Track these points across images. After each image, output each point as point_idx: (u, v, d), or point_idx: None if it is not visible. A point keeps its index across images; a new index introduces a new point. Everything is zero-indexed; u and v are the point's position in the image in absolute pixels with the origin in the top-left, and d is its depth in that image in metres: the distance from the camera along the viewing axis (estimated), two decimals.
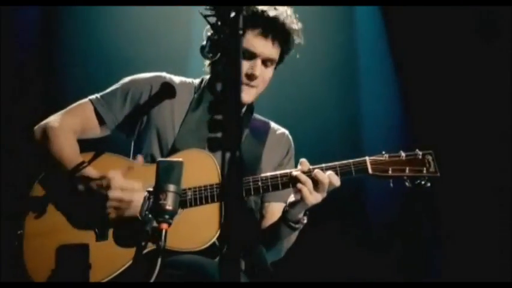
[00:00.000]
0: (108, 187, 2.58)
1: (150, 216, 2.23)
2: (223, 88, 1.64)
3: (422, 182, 2.67)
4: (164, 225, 2.17)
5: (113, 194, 2.58)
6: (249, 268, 2.76)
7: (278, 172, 2.73)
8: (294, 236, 2.89)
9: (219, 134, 1.70)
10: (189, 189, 2.64)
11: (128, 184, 2.60)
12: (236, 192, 1.56)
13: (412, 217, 4.80)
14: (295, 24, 2.87)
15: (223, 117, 1.64)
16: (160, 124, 2.86)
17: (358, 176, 2.69)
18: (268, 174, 2.73)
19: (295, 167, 2.81)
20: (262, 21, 2.79)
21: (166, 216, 2.18)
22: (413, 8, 4.62)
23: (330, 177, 2.65)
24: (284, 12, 2.84)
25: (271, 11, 2.81)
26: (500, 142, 4.53)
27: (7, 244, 2.60)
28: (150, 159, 2.81)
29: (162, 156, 2.78)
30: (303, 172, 2.67)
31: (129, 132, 2.94)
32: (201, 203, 2.63)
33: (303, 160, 2.73)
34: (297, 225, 2.78)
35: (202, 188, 2.64)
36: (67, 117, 2.85)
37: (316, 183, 2.64)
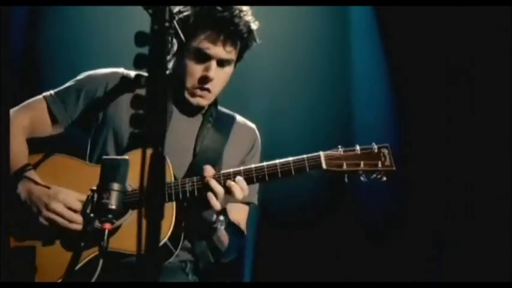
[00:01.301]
0: (54, 197, 2.52)
1: (92, 216, 2.17)
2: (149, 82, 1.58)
3: (378, 176, 2.59)
4: (107, 225, 2.11)
5: (54, 205, 2.52)
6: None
7: (231, 170, 2.63)
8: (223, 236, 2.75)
9: (140, 130, 1.61)
10: None
11: (75, 204, 2.53)
12: (158, 196, 1.48)
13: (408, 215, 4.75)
14: (250, 22, 2.74)
15: (147, 113, 1.58)
16: (117, 122, 2.76)
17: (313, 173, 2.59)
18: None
19: None
20: (213, 21, 2.67)
21: (110, 216, 2.12)
22: (409, 8, 4.56)
23: (231, 187, 2.55)
24: (236, 10, 2.70)
25: (222, 9, 2.67)
26: (499, 139, 4.48)
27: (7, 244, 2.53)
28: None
29: (118, 154, 2.68)
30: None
31: (84, 131, 2.84)
32: None
33: (207, 167, 2.63)
34: (214, 225, 2.66)
35: None
36: (18, 114, 2.78)
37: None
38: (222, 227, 2.66)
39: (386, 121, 4.86)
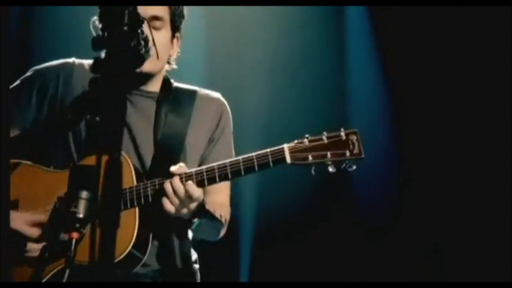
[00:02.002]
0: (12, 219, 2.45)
1: (59, 226, 2.15)
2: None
3: (347, 166, 2.43)
4: (74, 234, 2.07)
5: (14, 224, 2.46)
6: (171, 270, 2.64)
7: (194, 169, 2.51)
8: (206, 227, 2.66)
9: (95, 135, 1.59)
10: None
11: (34, 217, 2.49)
12: (113, 204, 1.47)
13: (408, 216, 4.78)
14: None
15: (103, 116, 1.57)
16: (74, 118, 2.61)
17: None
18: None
19: (235, 141, 2.66)
20: None
21: (77, 225, 2.09)
22: (404, 9, 4.60)
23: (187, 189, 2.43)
24: None
25: None
26: (499, 138, 4.53)
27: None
28: (67, 160, 2.60)
29: (79, 156, 2.59)
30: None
31: (44, 131, 2.69)
32: None
33: (181, 164, 2.51)
34: (191, 227, 2.59)
35: None
36: None
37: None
38: (198, 228, 2.58)
39: (380, 117, 4.91)
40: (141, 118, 2.68)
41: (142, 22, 2.06)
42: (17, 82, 2.74)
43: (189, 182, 2.45)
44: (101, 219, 1.57)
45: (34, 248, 2.48)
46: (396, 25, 4.73)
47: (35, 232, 2.48)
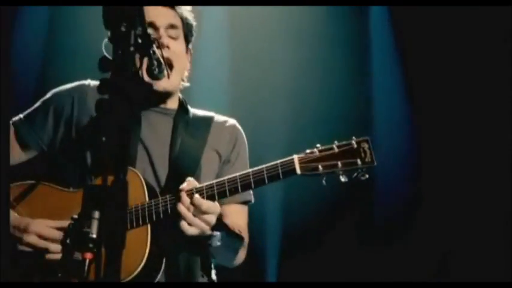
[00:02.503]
0: (25, 230, 2.50)
1: (72, 245, 2.17)
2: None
3: (359, 175, 2.38)
4: (88, 255, 2.09)
5: (27, 239, 2.50)
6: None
7: (205, 184, 2.49)
8: (223, 250, 2.63)
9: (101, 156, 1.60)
10: None
11: (48, 232, 2.50)
12: (119, 224, 1.47)
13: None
14: None
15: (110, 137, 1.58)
16: (89, 139, 2.66)
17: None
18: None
19: (250, 164, 2.65)
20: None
21: (90, 245, 2.11)
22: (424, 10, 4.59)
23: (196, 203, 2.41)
24: None
25: None
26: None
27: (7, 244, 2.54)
28: (84, 180, 2.63)
29: (94, 176, 2.60)
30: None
31: (59, 152, 2.75)
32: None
33: (189, 179, 2.51)
34: (208, 241, 2.54)
35: (128, 211, 2.47)
36: None
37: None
38: (219, 243, 2.54)
39: (402, 123, 4.90)
40: (157, 136, 2.72)
41: (153, 42, 2.09)
42: (37, 104, 2.81)
43: (196, 195, 2.44)
44: (110, 238, 1.57)
45: (44, 262, 2.51)
46: (418, 27, 4.71)
47: (48, 246, 2.51)
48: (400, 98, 5.00)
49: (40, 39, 4.74)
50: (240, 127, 2.89)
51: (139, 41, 1.80)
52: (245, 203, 2.82)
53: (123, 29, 1.78)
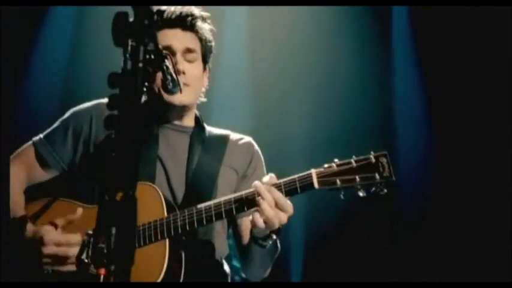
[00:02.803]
0: (42, 243, 2.50)
1: (87, 261, 2.17)
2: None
3: (378, 190, 2.36)
4: (102, 271, 2.09)
5: (47, 250, 2.50)
6: None
7: (223, 198, 2.51)
8: (267, 257, 2.67)
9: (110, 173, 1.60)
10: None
11: (63, 238, 2.51)
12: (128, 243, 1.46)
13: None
14: (195, 11, 2.76)
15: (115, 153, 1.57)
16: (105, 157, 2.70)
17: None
18: (212, 202, 2.51)
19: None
20: (162, 19, 2.65)
21: (105, 261, 2.12)
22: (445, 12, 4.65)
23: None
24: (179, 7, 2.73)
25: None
26: None
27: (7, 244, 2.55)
28: (100, 197, 2.65)
29: (109, 191, 2.61)
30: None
31: (78, 171, 2.79)
32: (145, 243, 2.48)
33: (271, 175, 2.50)
34: (265, 242, 2.53)
35: (146, 226, 2.50)
36: (12, 166, 2.77)
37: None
38: (269, 246, 2.54)
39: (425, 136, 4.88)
40: (174, 153, 2.76)
41: (165, 57, 2.09)
42: (56, 123, 2.85)
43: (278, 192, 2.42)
44: (121, 254, 1.56)
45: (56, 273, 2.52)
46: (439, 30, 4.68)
47: (67, 252, 2.51)
48: (422, 113, 4.97)
49: (64, 55, 4.80)
50: (255, 144, 2.91)
51: (152, 56, 1.80)
52: None
53: (132, 44, 1.78)
